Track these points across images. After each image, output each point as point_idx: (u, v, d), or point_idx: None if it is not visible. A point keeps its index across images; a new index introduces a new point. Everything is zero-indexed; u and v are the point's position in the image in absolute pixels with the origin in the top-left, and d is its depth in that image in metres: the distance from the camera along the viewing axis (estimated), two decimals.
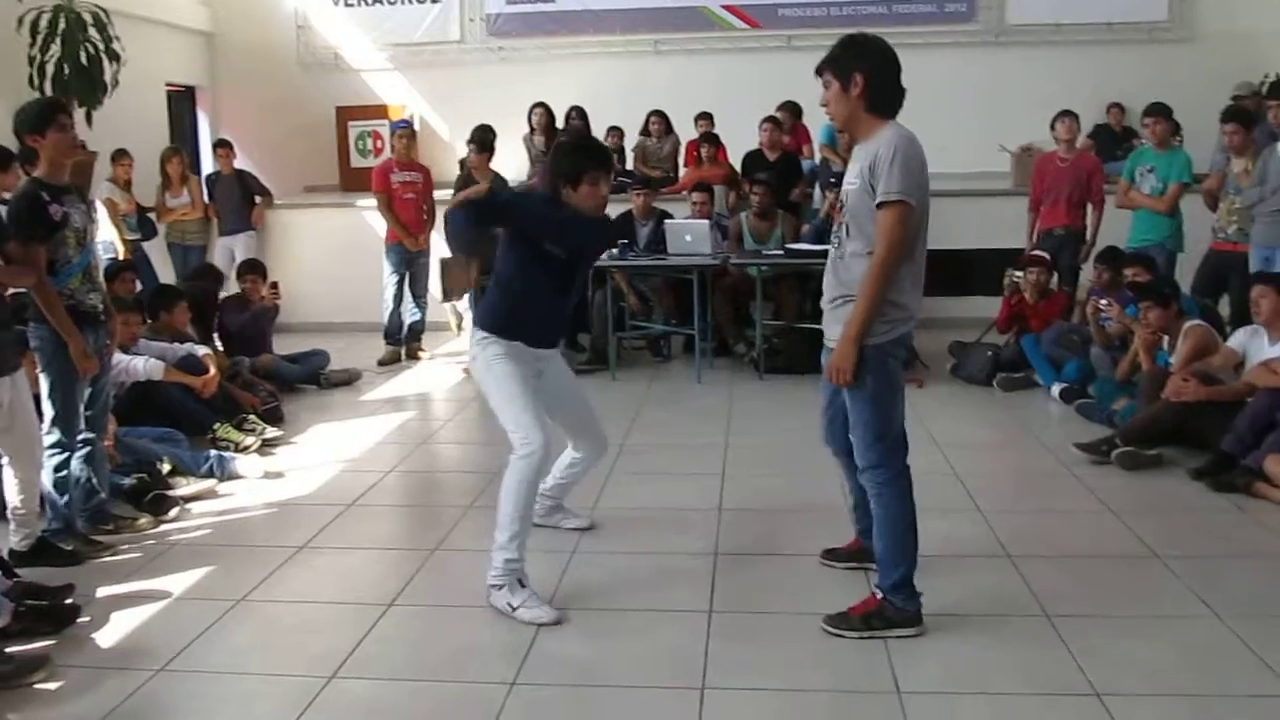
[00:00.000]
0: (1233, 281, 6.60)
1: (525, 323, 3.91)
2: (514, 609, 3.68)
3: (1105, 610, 3.71)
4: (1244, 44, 10.59)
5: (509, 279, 3.92)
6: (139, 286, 7.50)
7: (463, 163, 8.68)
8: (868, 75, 3.38)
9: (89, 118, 8.23)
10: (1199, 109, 8.73)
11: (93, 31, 8.47)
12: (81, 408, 4.37)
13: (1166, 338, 5.91)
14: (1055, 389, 6.66)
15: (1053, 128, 7.72)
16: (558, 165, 3.88)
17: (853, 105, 3.42)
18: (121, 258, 8.09)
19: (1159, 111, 7.29)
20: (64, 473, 4.36)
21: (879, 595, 3.58)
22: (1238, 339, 5.58)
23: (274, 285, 7.49)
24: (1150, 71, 10.54)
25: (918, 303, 3.52)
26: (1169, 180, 7.10)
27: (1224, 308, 6.84)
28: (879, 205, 3.33)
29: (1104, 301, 6.59)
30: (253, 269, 7.61)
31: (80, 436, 4.40)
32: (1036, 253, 7.44)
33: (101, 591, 3.99)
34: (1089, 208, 7.63)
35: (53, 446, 4.30)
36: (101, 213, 8.25)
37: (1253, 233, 6.39)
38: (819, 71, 3.52)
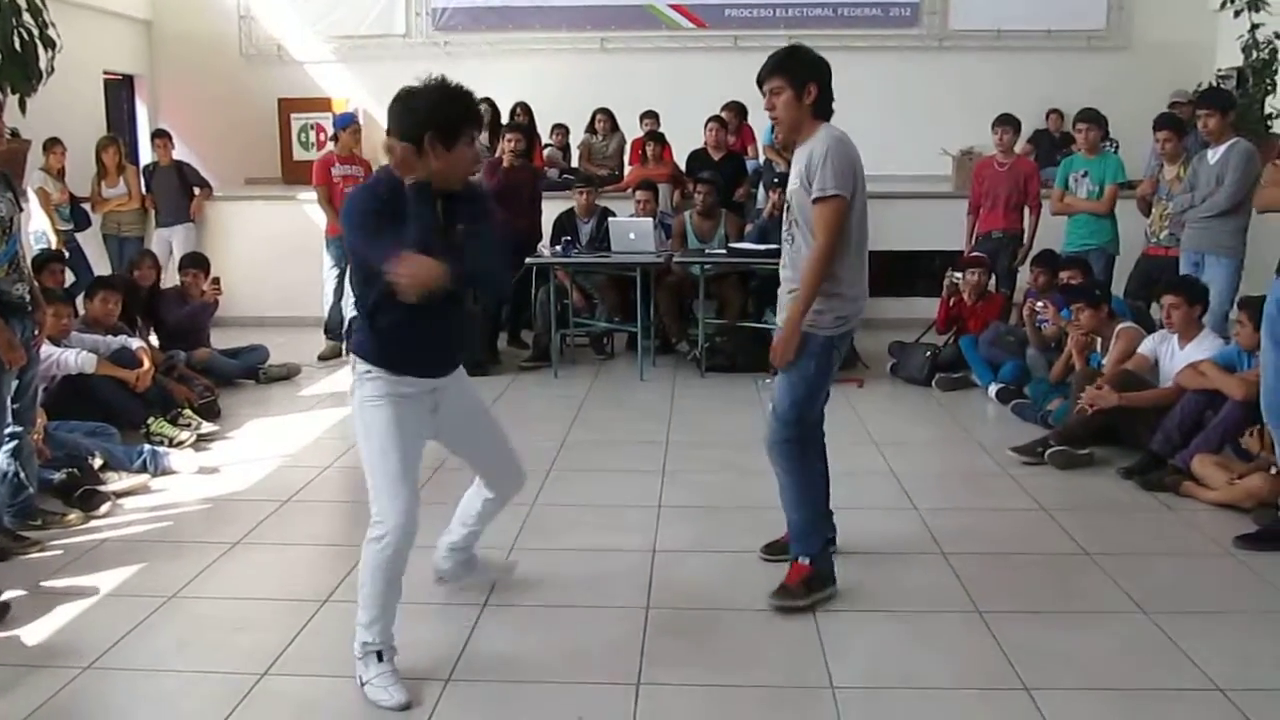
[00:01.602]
0: (1164, 285, 6.72)
1: (411, 352, 3.13)
2: (363, 683, 3.16)
3: (1036, 606, 3.77)
4: (1178, 53, 10.82)
5: (375, 309, 3.08)
6: (70, 278, 7.36)
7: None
8: (820, 84, 3.62)
9: (22, 105, 8.03)
10: (1134, 116, 8.89)
11: (27, 16, 8.25)
12: (8, 401, 4.27)
13: (1099, 340, 6.03)
14: (992, 389, 6.76)
15: (993, 132, 7.84)
16: (427, 115, 2.97)
17: (804, 112, 3.64)
18: (54, 248, 7.93)
19: (1091, 118, 7.43)
20: None
21: (807, 561, 3.75)
22: (1149, 344, 5.71)
23: (215, 281, 7.38)
24: (1088, 78, 10.75)
25: (861, 299, 3.74)
26: (1104, 182, 7.23)
27: (1155, 311, 6.97)
28: (814, 201, 3.54)
29: (1040, 304, 6.70)
30: (195, 263, 7.49)
31: (7, 430, 4.29)
32: (975, 254, 7.54)
33: (28, 588, 3.90)
34: (1026, 211, 7.76)
35: None
36: (34, 202, 8.08)
37: (1182, 238, 6.52)
38: (763, 78, 3.68)
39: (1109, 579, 3.99)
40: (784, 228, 3.80)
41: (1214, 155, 6.31)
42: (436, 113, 2.98)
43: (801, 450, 3.77)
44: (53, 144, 8.52)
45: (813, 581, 3.74)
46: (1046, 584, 3.98)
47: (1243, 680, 3.21)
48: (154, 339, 6.99)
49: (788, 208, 3.74)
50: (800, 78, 3.60)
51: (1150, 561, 4.21)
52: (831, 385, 3.84)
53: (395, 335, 3.09)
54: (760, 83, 3.69)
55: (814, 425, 3.82)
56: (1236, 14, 8.28)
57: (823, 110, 3.65)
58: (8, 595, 3.77)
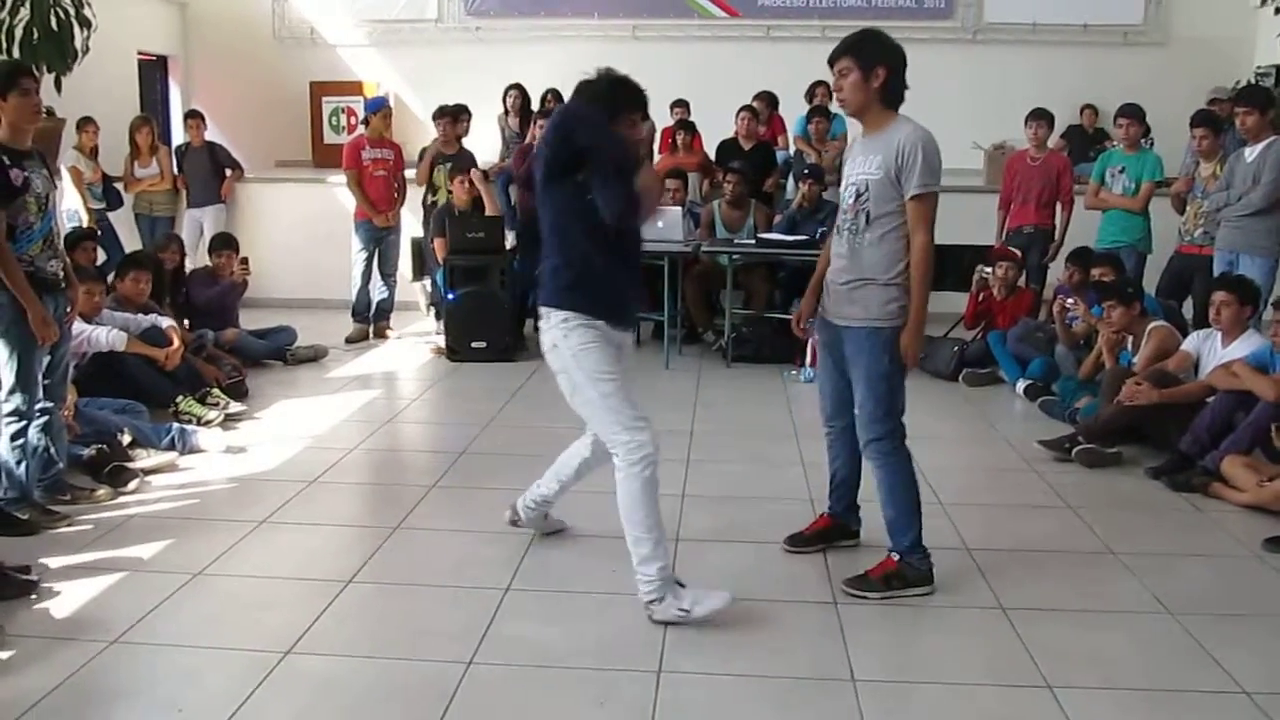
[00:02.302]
0: (1197, 284, 6.66)
1: (611, 300, 3.52)
2: (688, 612, 3.45)
3: (1060, 604, 3.75)
4: (1215, 49, 10.71)
5: (582, 255, 3.45)
6: (101, 256, 7.42)
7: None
8: (890, 68, 3.56)
9: (58, 84, 8.10)
10: (1170, 112, 8.79)
11: None
12: (40, 376, 4.31)
13: (1130, 338, 5.97)
14: (1020, 386, 6.72)
15: (1026, 126, 7.77)
16: (604, 105, 3.48)
17: (869, 95, 3.60)
18: (86, 226, 7.99)
19: (1132, 113, 7.34)
20: (20, 441, 4.29)
21: (896, 557, 3.75)
22: (1192, 342, 5.65)
23: (244, 261, 7.42)
24: (1124, 74, 10.65)
25: None
26: (1141, 180, 7.16)
27: (1188, 310, 6.91)
28: (913, 198, 3.53)
29: (1070, 300, 6.64)
30: (226, 244, 7.53)
31: (38, 406, 4.33)
32: (1005, 249, 7.49)
33: (56, 562, 3.95)
34: (1058, 207, 7.70)
35: (10, 415, 4.24)
36: (66, 180, 8.14)
37: (1217, 237, 6.45)
38: (834, 58, 3.64)
39: (1135, 579, 3.96)
40: (844, 216, 3.70)
41: (1251, 153, 6.23)
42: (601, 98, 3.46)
43: (894, 447, 3.72)
44: (85, 123, 8.59)
45: (893, 579, 3.73)
46: (1071, 582, 3.95)
47: (1269, 684, 3.18)
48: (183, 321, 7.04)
49: (855, 196, 3.65)
50: (869, 60, 3.55)
51: (1177, 562, 4.17)
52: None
53: (600, 280, 3.46)
54: (831, 63, 3.64)
55: (901, 417, 3.76)
56: (1277, 10, 8.19)
57: (892, 97, 3.60)
58: (34, 573, 3.81)
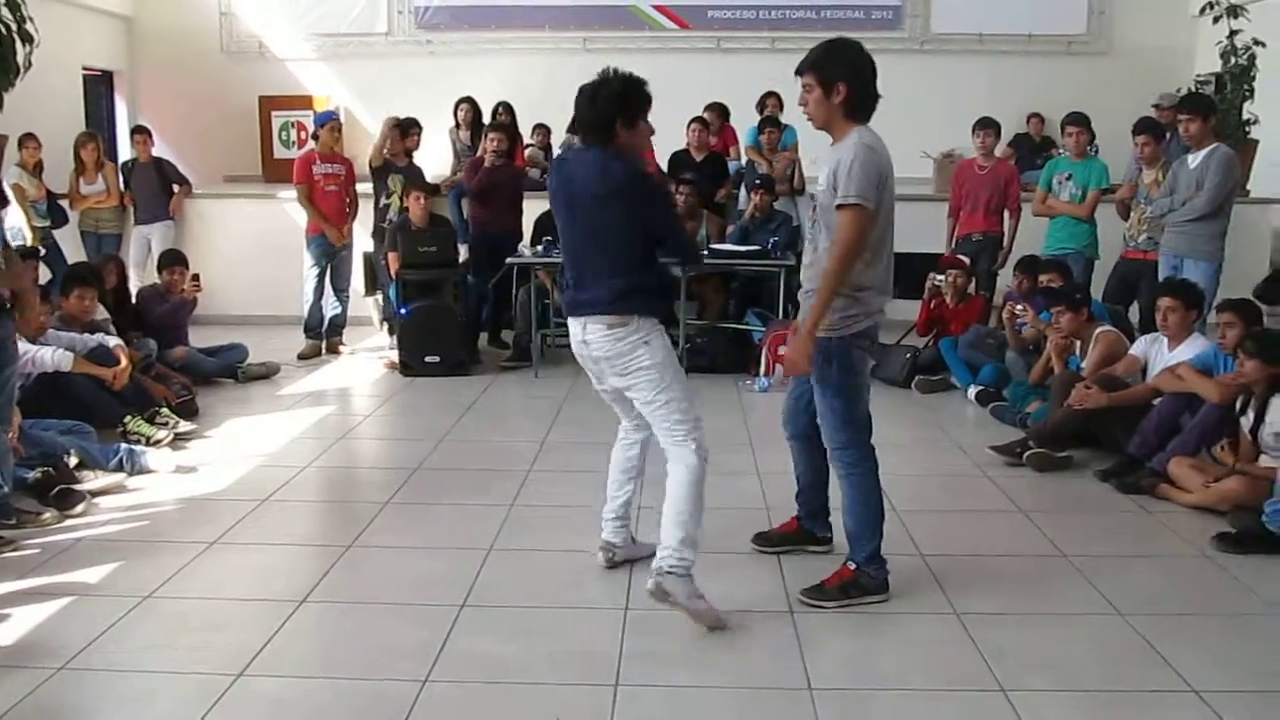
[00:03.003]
0: (1142, 289, 6.78)
1: (668, 304, 4.01)
2: (690, 598, 3.54)
3: (1013, 608, 3.78)
4: (1157, 58, 10.91)
5: (652, 263, 3.68)
6: (46, 274, 7.31)
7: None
8: (851, 84, 3.56)
9: None
10: (1114, 120, 8.93)
11: (5, 10, 8.20)
12: None
13: (1078, 343, 6.06)
14: (971, 391, 6.79)
15: (974, 135, 7.87)
16: (617, 106, 3.62)
17: (833, 111, 3.60)
18: (29, 244, 7.86)
19: (1079, 121, 7.46)
20: None
21: (853, 566, 3.77)
22: (1139, 346, 5.74)
23: (195, 278, 7.34)
24: (1069, 83, 10.81)
25: (882, 300, 3.71)
26: (1088, 187, 7.28)
27: (1134, 314, 7.02)
28: (837, 207, 3.51)
29: (1019, 306, 6.73)
30: (176, 260, 7.43)
31: None
32: (956, 256, 7.57)
33: (2, 588, 3.87)
34: (1006, 214, 7.80)
35: None
36: (9, 198, 8.01)
37: (1161, 242, 6.56)
38: (800, 72, 3.65)
39: (1085, 581, 4.01)
40: (808, 227, 3.80)
41: (1194, 160, 6.35)
42: (623, 102, 3.67)
43: (858, 458, 3.72)
44: (27, 139, 8.46)
45: (850, 588, 3.74)
46: (1023, 586, 3.99)
47: (1218, 682, 3.23)
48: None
49: (815, 208, 3.72)
50: (830, 77, 3.54)
51: (1127, 564, 4.23)
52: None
53: (663, 286, 3.83)
54: (798, 75, 3.65)
55: (867, 428, 3.75)
56: (1216, 20, 8.36)
57: (856, 110, 3.58)
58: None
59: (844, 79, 3.55)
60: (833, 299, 3.55)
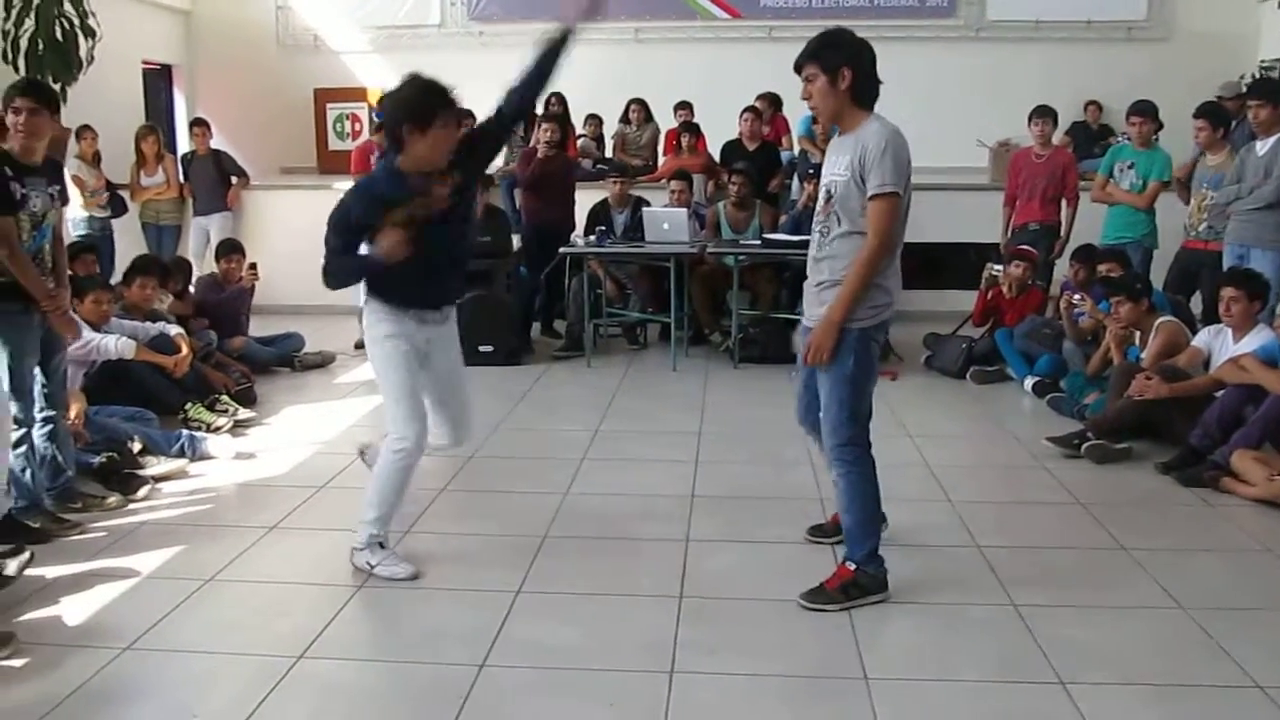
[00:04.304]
0: (1204, 279, 6.65)
1: (414, 289, 3.87)
2: (372, 567, 3.88)
3: (1071, 600, 3.73)
4: (1219, 44, 10.70)
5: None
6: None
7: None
8: (854, 69, 3.49)
9: (63, 93, 8.14)
10: (1174, 108, 8.77)
11: (68, 6, 8.39)
12: (36, 384, 4.33)
13: (1138, 333, 5.96)
14: (1028, 382, 6.70)
15: (1030, 123, 7.76)
16: (404, 108, 3.77)
17: (841, 98, 3.52)
18: (85, 239, 7.99)
19: (1145, 110, 7.31)
20: (24, 449, 4.33)
21: (852, 566, 3.68)
22: (1203, 338, 5.63)
23: (253, 266, 7.45)
24: (1127, 70, 10.64)
25: (898, 290, 3.65)
26: (1149, 177, 7.14)
27: (1195, 305, 6.89)
28: (871, 197, 3.43)
29: (1077, 296, 6.63)
30: (233, 249, 7.53)
31: (41, 414, 4.36)
32: (1022, 247, 7.45)
33: (68, 570, 3.96)
34: (1063, 203, 7.69)
35: (11, 423, 4.27)
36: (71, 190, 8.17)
37: (1227, 231, 6.42)
38: (799, 66, 3.59)
39: (1146, 574, 3.95)
40: (817, 218, 3.68)
41: (1263, 147, 6.21)
42: (411, 105, 3.80)
43: (857, 455, 3.65)
44: (84, 130, 8.61)
45: (851, 589, 3.65)
46: (1081, 578, 3.95)
47: None
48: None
49: (827, 198, 3.61)
50: (833, 63, 3.48)
51: (1188, 557, 4.16)
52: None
53: (406, 274, 3.83)
54: (797, 70, 3.59)
55: (867, 425, 3.68)
56: None
57: (864, 96, 3.52)
58: (23, 618, 3.81)
59: (847, 64, 3.48)
60: (864, 289, 3.49)
